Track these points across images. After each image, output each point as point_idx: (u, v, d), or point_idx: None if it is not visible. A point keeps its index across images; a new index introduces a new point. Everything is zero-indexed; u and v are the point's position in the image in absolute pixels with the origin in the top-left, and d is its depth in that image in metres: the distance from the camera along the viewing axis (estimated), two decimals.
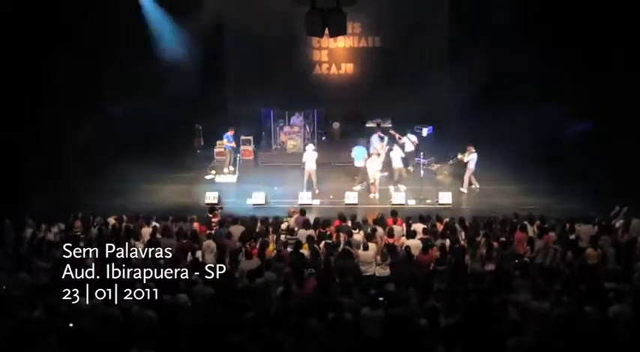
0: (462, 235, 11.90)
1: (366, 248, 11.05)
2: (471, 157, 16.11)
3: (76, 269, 10.04)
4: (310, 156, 16.23)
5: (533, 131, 17.09)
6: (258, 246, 11.30)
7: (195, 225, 12.82)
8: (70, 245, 11.21)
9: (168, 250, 11.18)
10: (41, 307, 8.31)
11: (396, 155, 16.38)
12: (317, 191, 16.06)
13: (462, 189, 16.32)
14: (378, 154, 16.07)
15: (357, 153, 16.59)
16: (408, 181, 16.66)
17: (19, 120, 14.67)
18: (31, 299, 8.67)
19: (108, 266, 10.29)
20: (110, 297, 8.51)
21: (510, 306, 8.45)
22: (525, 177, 16.87)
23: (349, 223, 12.45)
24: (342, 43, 20.22)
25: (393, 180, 16.39)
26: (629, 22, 14.56)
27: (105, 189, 16.80)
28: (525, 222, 12.36)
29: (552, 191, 16.16)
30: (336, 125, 20.15)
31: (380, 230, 11.98)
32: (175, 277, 9.57)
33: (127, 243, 11.52)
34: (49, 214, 13.35)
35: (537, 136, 16.82)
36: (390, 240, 11.59)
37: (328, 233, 12.11)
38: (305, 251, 11.13)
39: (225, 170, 17.79)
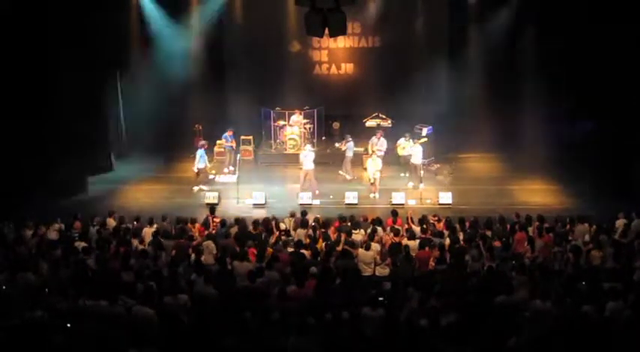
0: (462, 235, 11.89)
1: (367, 248, 11.05)
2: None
3: (76, 269, 10.11)
4: (307, 156, 16.25)
5: (533, 130, 17.08)
6: (256, 246, 11.27)
7: (197, 225, 12.81)
8: (70, 245, 11.35)
9: (168, 251, 11.33)
10: (41, 307, 8.30)
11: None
12: (317, 191, 16.04)
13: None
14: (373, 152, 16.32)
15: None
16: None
17: (18, 120, 14.64)
18: (31, 299, 8.66)
19: (108, 266, 10.38)
20: (110, 297, 8.51)
21: (510, 306, 8.45)
22: (525, 176, 16.91)
23: (349, 223, 12.45)
24: (342, 43, 20.23)
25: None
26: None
27: (104, 189, 16.85)
28: (525, 222, 12.36)
29: (552, 191, 16.19)
30: (336, 125, 20.14)
31: (380, 230, 11.99)
32: (175, 277, 9.62)
33: (126, 244, 11.59)
34: (48, 214, 13.32)
35: (537, 136, 16.80)
36: (396, 239, 11.60)
37: (328, 233, 12.11)
38: (305, 251, 11.12)
39: (225, 170, 17.79)
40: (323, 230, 12.13)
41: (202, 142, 16.97)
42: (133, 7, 18.58)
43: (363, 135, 18.28)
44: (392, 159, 17.21)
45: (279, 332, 7.68)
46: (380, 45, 20.29)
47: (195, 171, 16.62)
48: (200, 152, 16.60)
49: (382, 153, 16.74)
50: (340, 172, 17.42)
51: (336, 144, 18.26)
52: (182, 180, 17.52)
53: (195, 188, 16.46)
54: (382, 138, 17.06)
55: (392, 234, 11.83)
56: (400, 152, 17.05)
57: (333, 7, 9.73)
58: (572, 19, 15.45)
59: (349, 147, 17.25)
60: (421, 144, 16.58)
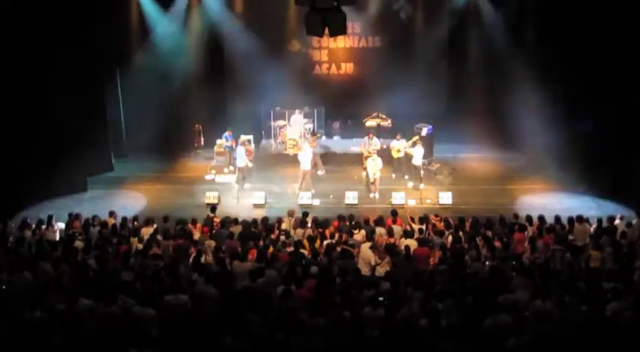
0: (462, 235, 11.89)
1: (374, 248, 11.04)
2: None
3: (76, 269, 10.11)
4: (306, 155, 16.23)
5: (533, 130, 17.07)
6: (256, 247, 11.26)
7: (198, 225, 12.80)
8: (70, 245, 11.35)
9: (168, 251, 11.33)
10: (41, 307, 8.30)
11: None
12: (313, 191, 16.00)
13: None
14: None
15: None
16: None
17: (18, 120, 14.64)
18: (31, 299, 8.66)
19: (108, 266, 10.38)
20: (110, 297, 8.51)
21: (510, 306, 8.44)
22: (525, 176, 16.90)
23: (349, 223, 12.44)
24: (342, 43, 20.23)
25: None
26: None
27: (104, 189, 16.85)
28: (524, 223, 12.36)
29: (552, 191, 16.19)
30: (335, 125, 20.14)
31: (379, 230, 11.99)
32: (176, 277, 9.62)
33: (127, 244, 11.59)
34: (48, 214, 13.31)
35: (538, 136, 16.80)
36: (391, 240, 11.60)
37: (328, 233, 12.11)
38: (305, 251, 11.12)
39: (225, 170, 17.78)
40: (322, 230, 12.14)
41: (242, 139, 17.02)
42: (132, 7, 18.60)
43: (363, 135, 18.28)
44: (391, 158, 17.19)
45: (279, 332, 7.68)
46: (380, 45, 20.29)
47: (239, 167, 16.46)
48: (239, 149, 16.52)
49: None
50: (319, 172, 17.40)
51: (307, 142, 18.01)
52: (182, 180, 17.53)
53: (237, 186, 16.25)
54: (374, 138, 17.01)
55: (386, 235, 11.82)
56: (395, 155, 16.99)
57: (333, 7, 9.73)
58: (572, 19, 15.44)
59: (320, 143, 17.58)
60: (421, 145, 16.51)
